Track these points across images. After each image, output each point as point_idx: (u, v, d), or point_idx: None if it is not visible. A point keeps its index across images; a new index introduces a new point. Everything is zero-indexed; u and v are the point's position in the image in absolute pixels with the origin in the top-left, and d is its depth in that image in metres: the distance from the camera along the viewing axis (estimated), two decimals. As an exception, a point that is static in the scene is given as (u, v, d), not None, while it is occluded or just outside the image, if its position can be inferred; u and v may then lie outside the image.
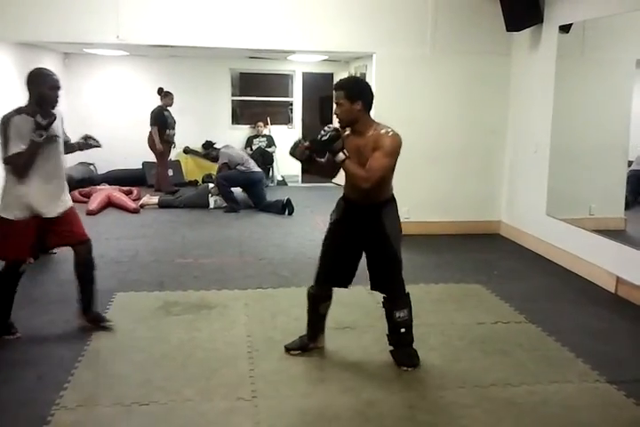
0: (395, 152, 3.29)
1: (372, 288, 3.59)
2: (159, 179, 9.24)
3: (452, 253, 6.03)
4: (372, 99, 3.39)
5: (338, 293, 4.73)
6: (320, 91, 11.62)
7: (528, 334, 4.04)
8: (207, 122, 10.34)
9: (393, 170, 3.39)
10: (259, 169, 8.47)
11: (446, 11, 6.46)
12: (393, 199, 3.49)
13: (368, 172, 3.24)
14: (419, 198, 6.72)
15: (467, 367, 3.54)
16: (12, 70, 7.62)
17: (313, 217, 7.75)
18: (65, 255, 5.73)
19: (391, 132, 3.32)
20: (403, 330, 3.54)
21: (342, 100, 3.32)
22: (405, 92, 6.60)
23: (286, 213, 7.87)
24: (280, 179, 10.44)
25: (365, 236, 3.45)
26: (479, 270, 5.45)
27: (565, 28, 5.67)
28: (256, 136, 10.51)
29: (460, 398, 3.19)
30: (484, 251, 6.18)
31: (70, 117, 9.92)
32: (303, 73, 10.74)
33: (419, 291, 4.84)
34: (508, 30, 6.29)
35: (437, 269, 5.52)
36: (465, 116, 6.71)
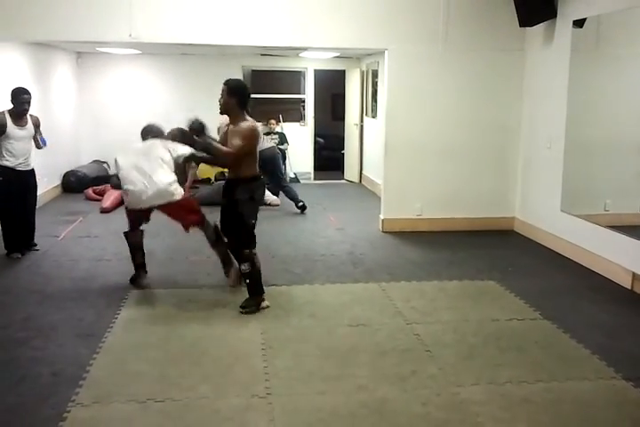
0: (248, 136, 4.21)
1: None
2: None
3: (466, 250, 6.00)
4: (247, 98, 4.35)
5: (351, 291, 4.76)
6: (332, 88, 11.61)
7: (543, 331, 4.02)
8: (219, 120, 10.31)
9: (252, 154, 4.28)
10: (269, 144, 8.20)
11: (459, 6, 6.42)
12: (254, 179, 4.35)
13: (228, 150, 4.23)
14: (432, 195, 6.71)
15: (481, 364, 3.52)
16: (26, 70, 7.69)
17: (325, 214, 7.75)
18: (70, 253, 5.78)
19: (250, 124, 4.26)
20: (247, 281, 4.36)
21: (224, 94, 4.33)
22: (418, 89, 6.58)
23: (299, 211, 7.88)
24: (292, 176, 10.44)
25: (226, 200, 4.41)
26: (493, 267, 5.42)
27: (579, 23, 5.62)
28: (268, 133, 10.48)
29: (474, 395, 3.18)
30: (498, 247, 6.15)
31: (83, 116, 10.04)
32: (315, 70, 10.71)
33: (433, 288, 4.85)
34: (521, 26, 6.25)
35: (451, 265, 5.49)
36: (478, 112, 6.67)
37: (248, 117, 4.33)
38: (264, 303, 4.35)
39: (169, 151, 4.67)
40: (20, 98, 5.44)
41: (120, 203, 7.89)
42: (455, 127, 6.67)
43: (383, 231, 6.73)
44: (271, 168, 7.98)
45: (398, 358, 3.58)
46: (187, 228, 4.79)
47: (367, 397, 3.15)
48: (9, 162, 5.45)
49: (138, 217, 4.81)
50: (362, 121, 10.29)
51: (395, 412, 3.01)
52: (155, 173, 4.55)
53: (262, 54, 10.07)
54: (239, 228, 4.35)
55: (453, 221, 6.75)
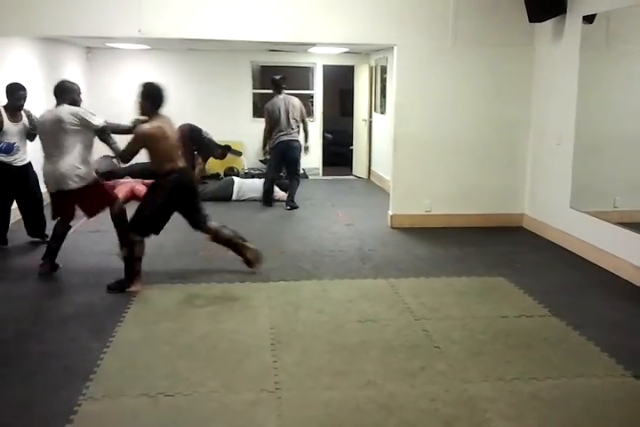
0: (135, 139, 4.58)
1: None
2: None
3: (475, 246, 6.00)
4: (159, 101, 4.61)
5: (359, 286, 4.77)
6: (340, 83, 11.60)
7: (552, 328, 4.02)
8: (228, 115, 10.37)
9: (157, 152, 4.62)
10: (285, 138, 7.98)
11: (467, 1, 6.40)
12: (164, 175, 4.70)
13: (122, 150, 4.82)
14: (441, 191, 6.71)
15: (490, 361, 3.53)
16: (36, 65, 7.72)
17: (334, 210, 7.75)
18: (80, 247, 5.81)
19: (145, 127, 4.53)
20: (124, 265, 4.68)
21: (140, 97, 4.60)
22: (426, 85, 6.57)
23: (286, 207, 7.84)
24: (301, 172, 10.43)
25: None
26: (502, 263, 5.42)
27: (589, 19, 5.59)
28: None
29: (483, 391, 3.18)
30: (506, 244, 6.14)
31: (93, 110, 10.01)
32: (324, 65, 10.71)
33: (441, 284, 4.86)
34: (530, 21, 6.22)
35: (460, 262, 5.49)
36: (487, 108, 6.65)
37: (159, 119, 4.61)
38: (133, 288, 4.63)
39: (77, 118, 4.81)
40: (17, 94, 5.47)
41: (130, 198, 7.95)
42: (464, 123, 6.66)
43: (392, 227, 6.74)
44: (287, 159, 7.96)
45: (407, 354, 3.59)
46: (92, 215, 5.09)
47: (375, 392, 3.16)
48: (5, 158, 5.50)
49: (58, 206, 5.00)
50: (370, 117, 10.28)
51: (403, 407, 3.03)
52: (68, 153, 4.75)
53: (271, 50, 10.08)
54: (136, 213, 4.71)
55: (462, 217, 6.74)
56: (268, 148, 8.03)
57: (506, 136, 6.75)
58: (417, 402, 3.08)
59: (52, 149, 4.78)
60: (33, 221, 5.88)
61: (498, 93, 6.64)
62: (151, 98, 4.61)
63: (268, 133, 7.89)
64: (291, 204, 7.83)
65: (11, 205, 5.84)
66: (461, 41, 6.48)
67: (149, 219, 4.68)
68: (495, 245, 6.09)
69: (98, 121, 4.87)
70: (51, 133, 4.77)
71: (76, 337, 3.81)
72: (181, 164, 4.79)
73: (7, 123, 5.45)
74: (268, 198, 8.02)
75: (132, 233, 4.66)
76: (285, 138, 7.80)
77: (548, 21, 6.13)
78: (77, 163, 4.78)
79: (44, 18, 5.92)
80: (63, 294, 4.56)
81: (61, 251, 5.68)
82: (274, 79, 8.00)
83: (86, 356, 3.53)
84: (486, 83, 6.62)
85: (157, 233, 4.80)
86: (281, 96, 7.88)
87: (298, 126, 7.90)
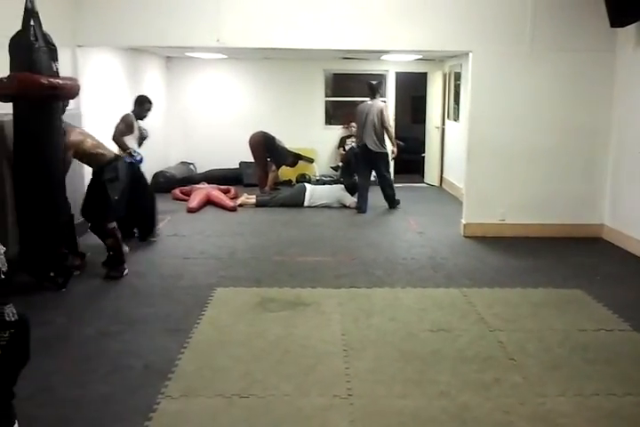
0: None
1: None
2: (259, 179, 9.39)
3: (551, 257, 5.85)
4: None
5: (432, 295, 4.73)
6: (412, 90, 11.55)
7: (633, 343, 3.88)
8: (301, 122, 10.50)
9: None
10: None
11: (546, 6, 6.27)
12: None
13: None
14: (515, 200, 6.58)
15: (567, 375, 3.43)
16: (121, 73, 8.08)
17: (405, 217, 7.72)
18: (166, 250, 6.00)
19: None
20: (111, 253, 5.12)
21: None
22: (502, 91, 6.46)
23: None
24: (372, 179, 10.42)
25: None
26: (580, 275, 5.26)
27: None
28: (349, 136, 10.55)
29: (559, 406, 3.10)
30: (585, 255, 5.96)
31: (172, 118, 10.39)
32: (396, 73, 10.69)
33: (516, 295, 4.76)
34: (612, 26, 6.03)
35: (536, 273, 5.37)
36: (565, 114, 6.49)
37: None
38: (126, 271, 5.14)
39: None
40: (146, 106, 6.32)
41: (206, 203, 8.17)
42: (541, 130, 6.51)
43: (464, 236, 6.65)
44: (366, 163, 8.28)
45: (481, 365, 3.54)
46: None
47: (448, 402, 3.13)
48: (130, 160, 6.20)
49: None
50: (443, 124, 10.18)
51: (476, 419, 2.99)
52: None
53: (344, 58, 10.14)
54: (96, 204, 5.14)
55: (538, 226, 6.59)
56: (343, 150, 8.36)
57: (584, 144, 6.55)
58: (491, 414, 3.03)
59: None
60: (146, 219, 6.39)
61: (577, 100, 6.46)
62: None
63: (357, 136, 8.37)
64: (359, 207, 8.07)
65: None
66: (539, 46, 6.35)
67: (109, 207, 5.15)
68: (573, 255, 5.92)
69: None
70: None
71: (155, 337, 3.94)
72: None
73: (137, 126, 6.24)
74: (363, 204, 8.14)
75: (104, 224, 5.11)
76: (362, 143, 8.06)
77: (630, 26, 5.93)
78: None
79: (130, 29, 6.21)
80: (142, 296, 4.71)
81: (141, 253, 5.91)
82: (370, 84, 8.20)
83: (164, 356, 3.65)
84: (565, 89, 6.46)
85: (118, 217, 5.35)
86: (370, 102, 8.02)
87: (380, 132, 7.98)
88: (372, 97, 8.09)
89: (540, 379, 3.39)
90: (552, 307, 4.51)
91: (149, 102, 6.33)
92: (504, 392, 3.24)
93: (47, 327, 4.03)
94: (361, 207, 8.04)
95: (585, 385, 3.31)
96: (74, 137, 5.00)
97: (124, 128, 6.13)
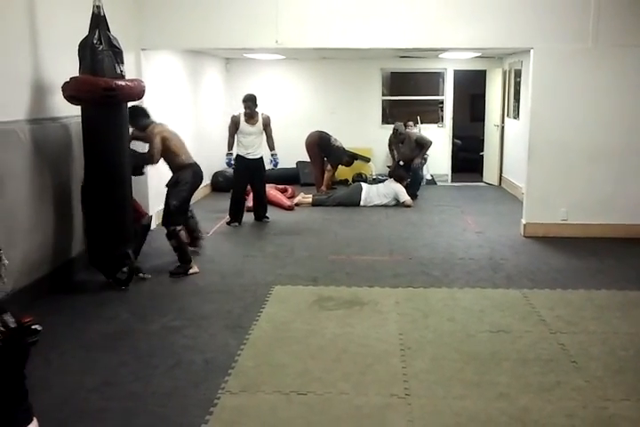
0: (152, 141, 5.27)
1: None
2: (315, 179, 9.44)
3: (615, 258, 5.69)
4: (139, 114, 5.31)
5: (491, 296, 4.68)
6: (471, 88, 11.40)
7: (703, 348, 3.74)
8: (358, 122, 10.50)
9: (164, 150, 5.33)
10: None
11: (610, 0, 6.09)
12: (185, 167, 5.44)
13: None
14: (577, 199, 6.42)
15: (632, 379, 3.34)
16: (183, 74, 8.28)
17: (463, 217, 7.64)
18: (225, 249, 6.11)
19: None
20: (177, 253, 5.28)
21: None
22: (564, 88, 6.32)
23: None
24: (429, 178, 10.36)
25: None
26: (645, 277, 5.11)
27: None
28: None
29: (624, 410, 3.03)
30: (651, 256, 5.78)
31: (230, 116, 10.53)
32: (454, 70, 10.57)
33: (579, 297, 4.66)
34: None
35: (599, 274, 5.23)
36: (630, 112, 6.29)
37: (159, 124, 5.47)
38: (194, 269, 5.28)
39: None
40: (244, 103, 7.04)
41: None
42: (604, 128, 6.34)
43: (525, 236, 6.53)
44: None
45: (542, 368, 3.48)
46: None
47: (508, 405, 3.10)
48: (240, 151, 7.10)
49: None
50: (503, 122, 10.01)
51: (537, 422, 2.94)
52: None
53: (401, 56, 10.09)
54: (167, 207, 5.34)
55: (601, 227, 6.41)
56: None
57: (650, 142, 6.34)
58: (552, 417, 2.98)
59: None
60: (261, 206, 7.26)
61: (642, 97, 6.26)
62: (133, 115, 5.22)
63: None
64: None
65: (245, 191, 7.33)
66: (603, 42, 6.17)
67: (178, 207, 5.34)
68: (636, 257, 5.74)
69: None
70: None
71: (215, 333, 4.02)
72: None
73: (243, 124, 7.06)
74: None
75: (169, 225, 5.29)
76: None
77: (702, 19, 5.71)
78: None
79: (191, 33, 6.34)
80: (203, 293, 4.82)
81: (202, 250, 6.03)
82: None
83: (225, 351, 3.73)
84: (629, 86, 6.26)
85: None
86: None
87: None
88: None
89: (604, 382, 3.31)
90: (616, 309, 4.39)
91: (245, 100, 7.06)
92: (566, 395, 3.19)
93: (112, 323, 4.18)
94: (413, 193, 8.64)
95: (651, 390, 3.22)
96: (166, 133, 5.38)
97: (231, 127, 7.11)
